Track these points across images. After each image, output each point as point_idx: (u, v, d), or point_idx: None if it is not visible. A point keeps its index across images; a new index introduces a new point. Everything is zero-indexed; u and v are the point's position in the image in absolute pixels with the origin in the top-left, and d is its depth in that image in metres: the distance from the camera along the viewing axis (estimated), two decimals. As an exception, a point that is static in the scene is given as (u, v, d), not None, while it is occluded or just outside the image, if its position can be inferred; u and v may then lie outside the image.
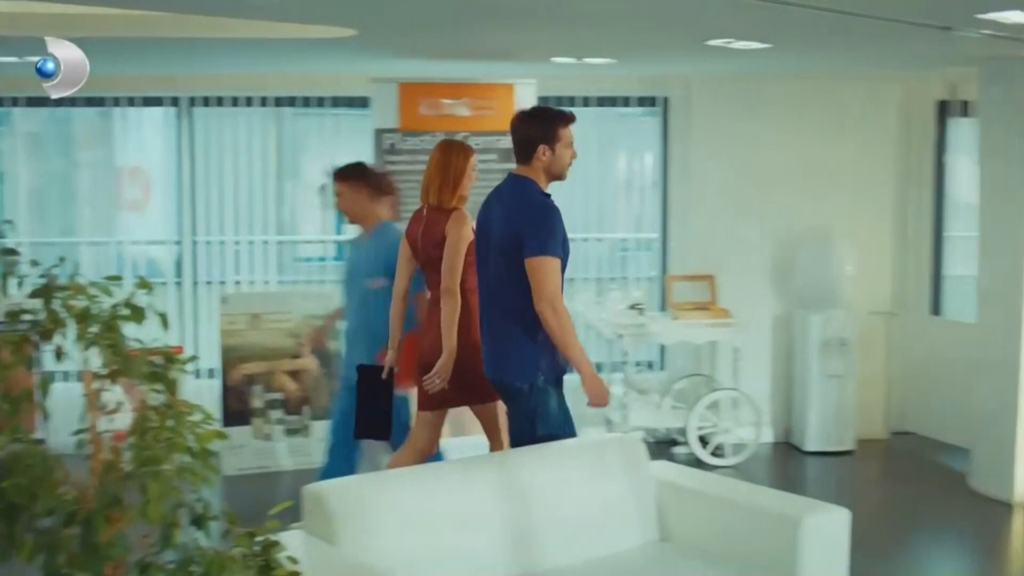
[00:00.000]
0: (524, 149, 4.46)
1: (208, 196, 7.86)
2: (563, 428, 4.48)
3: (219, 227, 7.93)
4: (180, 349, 5.66)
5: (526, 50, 6.25)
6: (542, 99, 6.90)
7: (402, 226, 5.31)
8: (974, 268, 6.97)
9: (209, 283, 7.98)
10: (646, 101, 7.97)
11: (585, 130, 8.25)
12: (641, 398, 7.60)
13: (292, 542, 2.64)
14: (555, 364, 4.47)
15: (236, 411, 6.84)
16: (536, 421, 4.43)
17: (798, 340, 7.77)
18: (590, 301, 7.93)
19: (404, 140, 6.44)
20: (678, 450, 7.45)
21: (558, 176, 4.52)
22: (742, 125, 7.81)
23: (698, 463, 7.12)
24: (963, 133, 7.90)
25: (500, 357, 4.51)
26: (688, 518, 4.25)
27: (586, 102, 7.82)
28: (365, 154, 6.66)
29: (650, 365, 8.19)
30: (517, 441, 4.52)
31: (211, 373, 7.38)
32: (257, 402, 6.89)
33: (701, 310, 7.49)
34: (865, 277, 7.83)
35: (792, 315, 7.86)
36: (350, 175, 5.57)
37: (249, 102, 7.69)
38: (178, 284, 7.92)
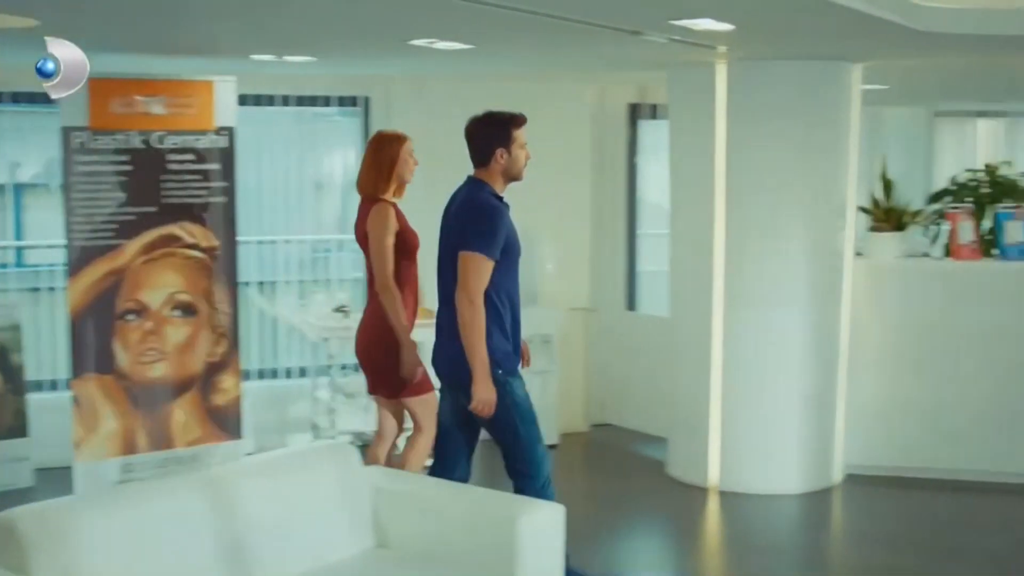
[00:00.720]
0: (482, 153, 4.68)
1: None
2: (532, 413, 4.67)
3: None
4: None
5: (224, 46, 6.03)
6: (242, 98, 6.69)
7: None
8: (666, 264, 7.26)
9: None
10: (347, 101, 7.87)
11: (284, 130, 8.13)
12: (348, 402, 7.50)
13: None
14: (509, 356, 4.62)
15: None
16: (512, 412, 4.57)
17: (502, 338, 7.86)
18: (293, 304, 7.77)
19: (95, 139, 6.07)
20: (387, 452, 7.40)
21: (515, 177, 4.72)
22: (443, 125, 7.74)
23: (407, 465, 7.10)
24: (653, 134, 8.23)
25: (458, 356, 4.53)
26: (404, 523, 4.19)
27: (286, 101, 7.64)
28: (52, 154, 6.26)
29: (357, 368, 8.09)
30: (499, 437, 4.69)
31: None
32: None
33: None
34: (565, 275, 8.04)
35: (496, 313, 7.95)
36: None
37: (-86, 98, 7.08)
38: None
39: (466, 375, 4.53)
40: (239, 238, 6.57)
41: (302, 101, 7.76)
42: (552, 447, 7.71)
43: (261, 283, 8.07)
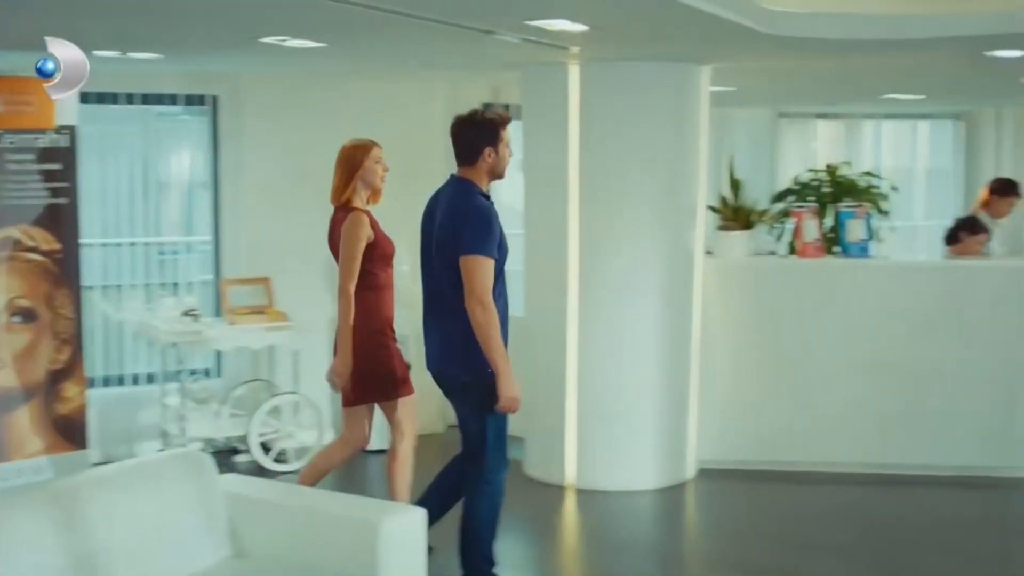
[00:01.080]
0: (470, 153, 4.73)
1: None
2: (506, 419, 4.76)
3: None
4: None
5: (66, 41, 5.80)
6: (84, 95, 6.46)
7: None
8: (520, 264, 7.27)
9: None
10: (195, 99, 7.68)
11: (128, 129, 7.88)
12: (199, 408, 7.32)
13: None
14: None
15: None
16: (486, 411, 4.64)
17: (356, 340, 7.78)
18: (140, 308, 7.54)
19: (-74, 138, 5.79)
20: (240, 459, 7.26)
21: (500, 175, 4.82)
22: (296, 124, 7.72)
23: (261, 471, 6.96)
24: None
25: (446, 353, 4.69)
26: (263, 531, 4.10)
27: (130, 99, 7.41)
28: None
29: (207, 372, 7.91)
30: (469, 435, 4.80)
31: None
32: None
33: (258, 314, 7.33)
34: (419, 275, 7.95)
35: (350, 315, 7.86)
36: None
37: None
38: None
39: (455, 377, 4.68)
40: (82, 241, 6.34)
41: (148, 99, 7.55)
42: (408, 449, 7.67)
43: (106, 287, 7.81)
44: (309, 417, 7.34)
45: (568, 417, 6.81)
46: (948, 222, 8.67)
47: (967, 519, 6.39)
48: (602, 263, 6.70)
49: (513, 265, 7.72)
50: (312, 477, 5.42)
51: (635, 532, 6.24)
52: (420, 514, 4.03)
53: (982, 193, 8.16)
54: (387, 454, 5.50)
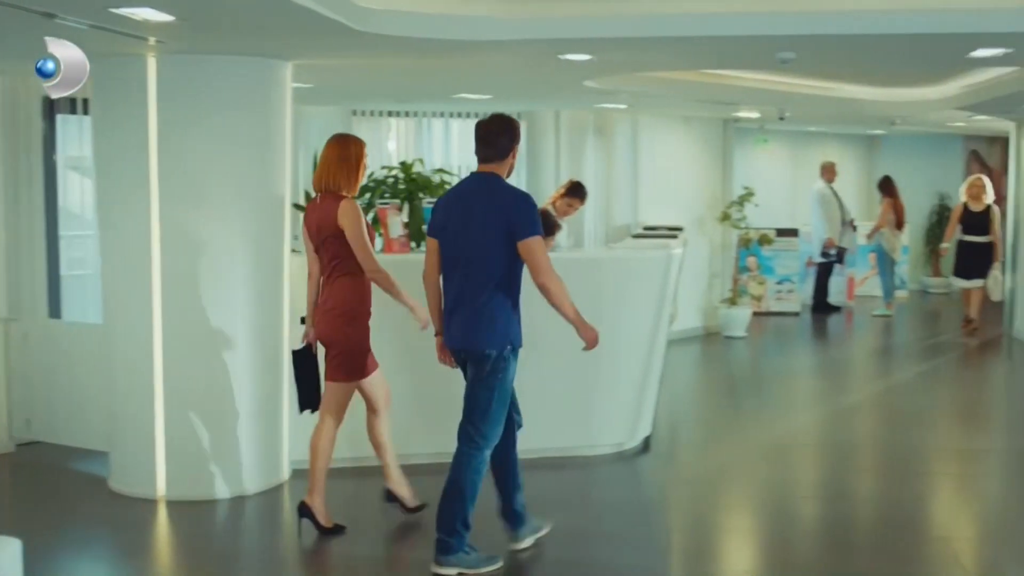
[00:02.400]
0: (503, 150, 5.21)
1: None
2: (509, 395, 5.30)
3: None
4: None
5: None
6: None
7: None
8: (94, 268, 6.86)
9: None
10: None
11: None
12: None
13: None
14: (520, 335, 5.24)
15: None
16: (495, 385, 5.19)
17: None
18: None
19: None
20: None
21: (510, 172, 5.31)
22: None
23: None
24: (75, 131, 7.76)
25: (473, 327, 5.15)
26: None
27: None
28: None
29: None
30: (473, 403, 5.24)
31: None
32: None
33: None
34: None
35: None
36: None
37: None
38: None
39: (479, 346, 5.13)
40: None
41: None
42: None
43: None
44: None
45: (157, 426, 6.51)
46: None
47: (552, 498, 6.71)
48: (187, 263, 6.45)
49: (88, 269, 7.32)
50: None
51: (234, 538, 6.10)
52: (14, 545, 3.69)
53: (555, 192, 8.69)
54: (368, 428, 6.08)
